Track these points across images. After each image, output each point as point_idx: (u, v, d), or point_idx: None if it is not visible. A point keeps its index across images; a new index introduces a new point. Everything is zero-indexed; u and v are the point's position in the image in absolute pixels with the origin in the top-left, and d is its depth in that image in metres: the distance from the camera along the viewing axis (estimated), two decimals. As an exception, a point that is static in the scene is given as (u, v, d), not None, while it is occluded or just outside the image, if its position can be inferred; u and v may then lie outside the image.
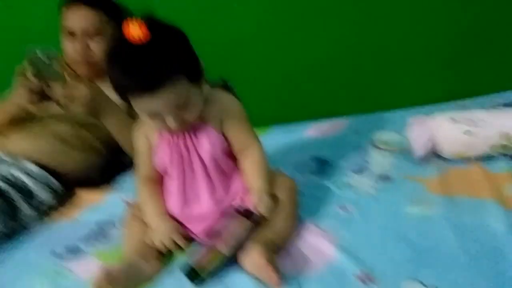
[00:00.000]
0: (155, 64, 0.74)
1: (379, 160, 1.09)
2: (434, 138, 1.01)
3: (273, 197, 0.86)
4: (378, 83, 1.49)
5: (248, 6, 1.44)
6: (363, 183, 1.00)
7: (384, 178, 1.00)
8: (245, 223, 0.80)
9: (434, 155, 1.04)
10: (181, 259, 0.83)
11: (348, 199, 0.94)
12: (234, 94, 0.92)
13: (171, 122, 0.80)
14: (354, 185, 0.99)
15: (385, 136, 1.22)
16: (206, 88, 0.85)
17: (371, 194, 0.95)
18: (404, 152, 1.09)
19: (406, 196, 0.91)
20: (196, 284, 0.75)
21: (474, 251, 0.72)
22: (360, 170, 1.05)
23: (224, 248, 0.78)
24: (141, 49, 0.74)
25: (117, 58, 0.77)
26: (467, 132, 0.98)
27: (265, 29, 1.46)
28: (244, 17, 1.44)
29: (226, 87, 0.93)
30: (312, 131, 1.36)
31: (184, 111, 0.80)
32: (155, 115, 0.80)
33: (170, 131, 0.84)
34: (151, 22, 0.76)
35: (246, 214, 0.82)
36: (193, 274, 0.76)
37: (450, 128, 1.00)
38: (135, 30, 0.73)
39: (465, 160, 1.00)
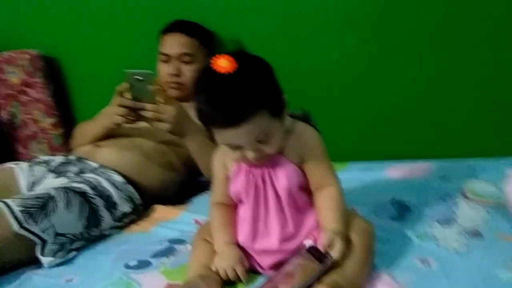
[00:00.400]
0: (239, 98, 0.75)
1: (469, 213, 0.99)
2: (538, 196, 0.90)
3: (347, 240, 0.81)
4: (470, 127, 1.38)
5: (336, 39, 1.43)
6: (449, 236, 0.91)
7: (474, 233, 0.90)
8: (316, 266, 0.77)
9: (537, 214, 0.92)
10: (244, 290, 0.81)
11: (430, 252, 0.86)
12: (314, 126, 0.90)
13: (250, 154, 0.80)
14: (438, 237, 0.91)
15: (478, 186, 1.11)
16: (287, 119, 0.85)
17: (458, 250, 0.86)
18: (500, 206, 0.98)
19: (499, 258, 0.81)
20: None
21: None
22: (446, 222, 0.96)
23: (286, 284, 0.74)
24: (226, 80, 0.75)
25: (203, 87, 0.78)
26: None
27: (351, 63, 1.44)
28: (332, 50, 1.44)
29: (307, 119, 0.91)
30: (393, 171, 1.29)
31: (264, 145, 0.80)
32: (235, 147, 0.81)
33: (248, 162, 0.84)
34: (239, 53, 0.78)
35: (318, 256, 0.78)
36: None
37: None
38: (223, 61, 0.75)
39: None
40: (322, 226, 0.84)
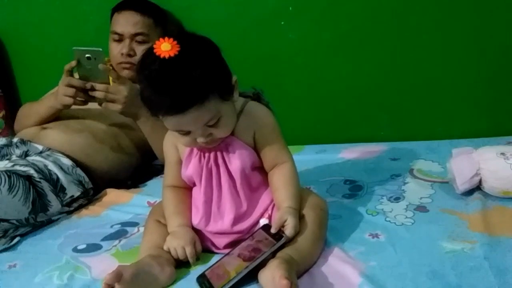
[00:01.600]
0: (184, 83, 0.72)
1: (416, 190, 1.03)
2: (480, 173, 0.94)
3: (301, 216, 0.82)
4: (419, 111, 1.43)
5: (292, 21, 1.43)
6: (397, 212, 0.94)
7: (420, 208, 0.94)
8: (269, 243, 0.77)
9: (477, 190, 0.97)
10: (199, 269, 0.80)
11: (379, 226, 0.89)
12: (267, 106, 0.90)
13: (200, 139, 0.78)
14: (387, 213, 0.94)
15: (425, 165, 1.17)
16: (238, 100, 0.83)
17: (406, 224, 0.89)
18: (444, 184, 1.03)
19: (443, 230, 0.84)
20: None
21: (518, 299, 0.65)
22: (395, 198, 1.00)
23: (242, 264, 0.74)
24: (169, 64, 0.72)
25: (146, 73, 0.74)
26: (517, 169, 0.90)
27: (308, 46, 1.44)
28: (288, 32, 1.44)
29: (258, 98, 0.90)
30: (347, 153, 1.32)
31: (214, 129, 0.78)
32: (185, 133, 0.78)
33: (200, 147, 0.82)
34: (182, 35, 0.75)
35: (273, 234, 0.78)
36: (205, 283, 0.74)
37: (499, 164, 0.93)
38: (165, 45, 0.72)
39: (511, 198, 0.92)
40: (276, 204, 0.84)
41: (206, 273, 0.76)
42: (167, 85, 0.72)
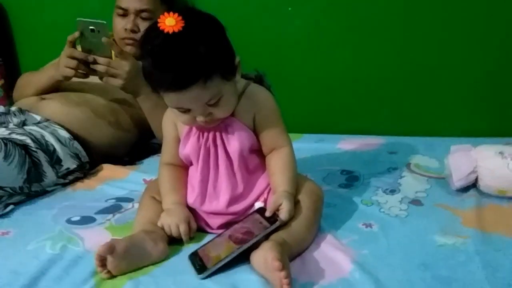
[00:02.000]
0: (187, 59, 0.71)
1: (412, 184, 1.03)
2: (477, 170, 0.95)
3: (297, 201, 0.82)
4: (420, 107, 1.43)
5: (300, 8, 1.42)
6: (392, 204, 0.94)
7: (415, 202, 0.95)
8: (263, 226, 0.77)
9: (473, 187, 0.98)
10: (192, 248, 0.80)
11: (373, 216, 0.89)
12: (269, 89, 0.89)
13: (200, 118, 0.77)
14: (382, 204, 0.94)
15: (423, 161, 1.17)
16: (240, 81, 0.82)
17: (400, 216, 0.89)
18: (440, 180, 1.04)
19: (436, 224, 0.85)
20: (199, 272, 0.72)
21: (506, 294, 0.66)
22: (391, 191, 1.00)
23: (233, 246, 0.75)
24: (173, 40, 0.71)
25: (149, 48, 0.73)
26: (514, 169, 0.91)
27: (313, 36, 1.44)
28: (294, 20, 1.43)
29: (261, 80, 0.89)
30: (345, 144, 1.32)
31: (215, 108, 0.77)
32: (185, 111, 0.78)
33: (199, 126, 0.82)
34: (188, 11, 0.74)
35: (267, 217, 0.78)
36: (197, 262, 0.74)
37: (496, 162, 0.93)
38: (169, 20, 0.71)
39: (507, 198, 0.93)
40: (273, 188, 0.84)
41: (198, 251, 0.77)
42: (169, 60, 0.71)
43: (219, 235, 0.80)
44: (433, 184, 1.03)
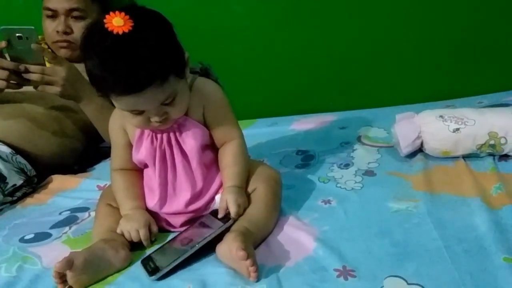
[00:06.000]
0: (139, 62, 0.68)
1: (364, 156, 1.07)
2: (421, 135, 1.00)
3: (254, 188, 0.83)
4: (366, 81, 1.48)
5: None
6: (347, 177, 0.97)
7: (369, 173, 0.98)
8: (218, 225, 0.78)
9: (420, 152, 1.03)
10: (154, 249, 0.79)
11: (331, 192, 0.92)
12: (216, 81, 0.88)
13: (155, 119, 0.75)
14: (338, 179, 0.97)
15: (372, 132, 1.21)
16: (188, 77, 0.81)
17: (355, 189, 0.92)
18: (389, 148, 1.08)
19: (390, 192, 0.89)
20: (150, 274, 0.72)
21: (458, 249, 0.70)
22: (345, 165, 1.03)
23: (187, 246, 0.75)
24: (122, 41, 0.67)
25: (96, 50, 0.69)
26: (455, 130, 0.96)
27: (253, 20, 1.43)
28: (231, 4, 1.41)
29: (207, 73, 0.88)
30: (298, 125, 1.34)
31: (170, 107, 0.75)
32: (138, 113, 0.75)
33: (152, 128, 0.80)
34: (134, 9, 0.71)
35: (220, 218, 0.79)
36: (149, 265, 0.73)
37: (438, 126, 0.98)
38: (117, 20, 0.67)
39: (451, 158, 0.98)
40: (223, 183, 0.83)
41: (151, 255, 0.76)
42: (122, 63, 0.68)
43: (172, 239, 0.79)
44: (383, 153, 1.07)
